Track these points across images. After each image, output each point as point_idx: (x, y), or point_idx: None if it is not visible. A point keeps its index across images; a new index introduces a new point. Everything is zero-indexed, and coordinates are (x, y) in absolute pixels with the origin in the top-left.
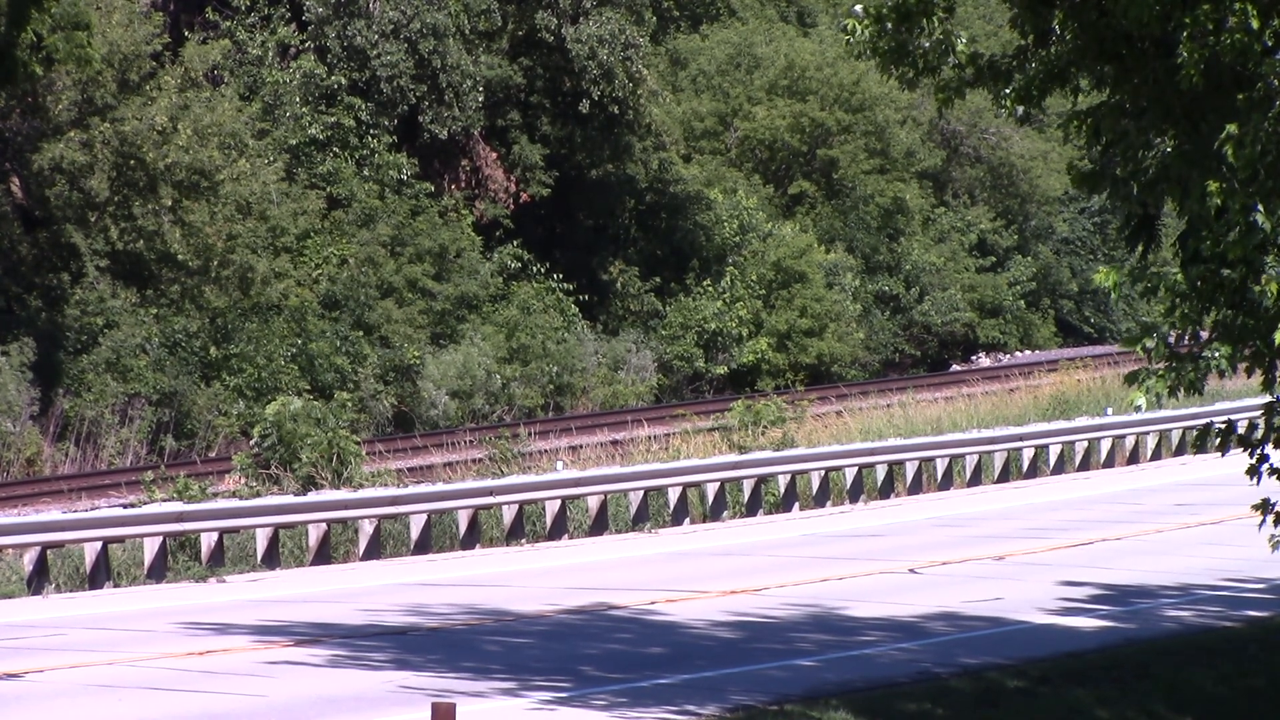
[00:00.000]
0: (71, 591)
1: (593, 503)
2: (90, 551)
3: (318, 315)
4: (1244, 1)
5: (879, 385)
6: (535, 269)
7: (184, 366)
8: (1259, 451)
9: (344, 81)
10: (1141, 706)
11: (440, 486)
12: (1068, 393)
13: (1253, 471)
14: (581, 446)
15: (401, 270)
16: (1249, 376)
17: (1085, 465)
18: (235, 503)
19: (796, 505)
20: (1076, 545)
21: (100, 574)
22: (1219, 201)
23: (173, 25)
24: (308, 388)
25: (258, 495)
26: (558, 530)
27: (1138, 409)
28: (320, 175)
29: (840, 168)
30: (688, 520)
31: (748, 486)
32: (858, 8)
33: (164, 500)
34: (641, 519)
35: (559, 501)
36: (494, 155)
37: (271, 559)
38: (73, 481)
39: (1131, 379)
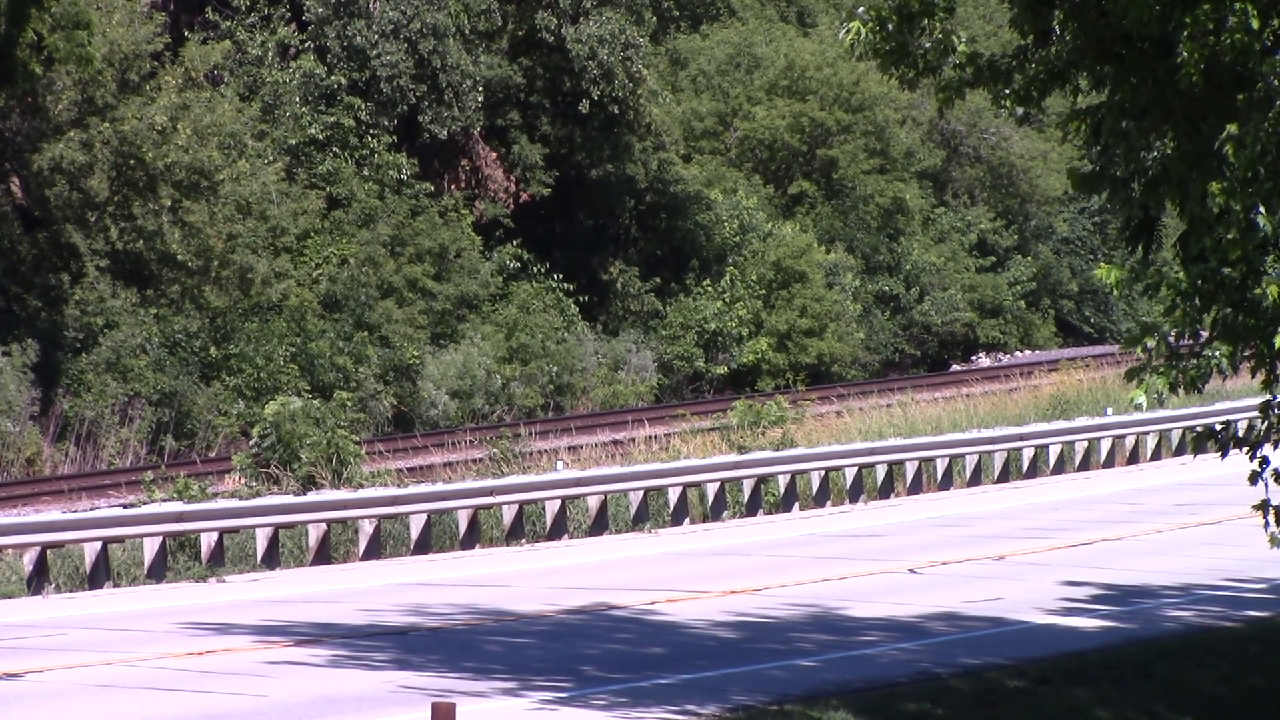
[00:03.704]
0: (71, 591)
1: (593, 503)
2: (90, 551)
3: (318, 315)
4: (1244, 1)
5: (879, 385)
6: (535, 269)
7: (184, 366)
8: (1258, 454)
9: (344, 81)
10: (1142, 706)
11: (440, 486)
12: (1068, 393)
13: (1255, 479)
14: (581, 446)
15: (401, 270)
16: (1251, 376)
17: (1085, 465)
18: (235, 503)
19: (796, 505)
20: (1077, 545)
21: (100, 574)
22: (1220, 202)
23: (173, 25)
24: (308, 388)
25: (258, 495)
26: (558, 530)
27: (1138, 407)
28: (320, 175)
29: (840, 168)
30: (688, 520)
31: (748, 486)
32: (860, 9)
33: (164, 500)
34: (641, 519)
35: (559, 501)
36: (494, 155)
37: (271, 559)
38: (73, 481)
39: (1132, 375)
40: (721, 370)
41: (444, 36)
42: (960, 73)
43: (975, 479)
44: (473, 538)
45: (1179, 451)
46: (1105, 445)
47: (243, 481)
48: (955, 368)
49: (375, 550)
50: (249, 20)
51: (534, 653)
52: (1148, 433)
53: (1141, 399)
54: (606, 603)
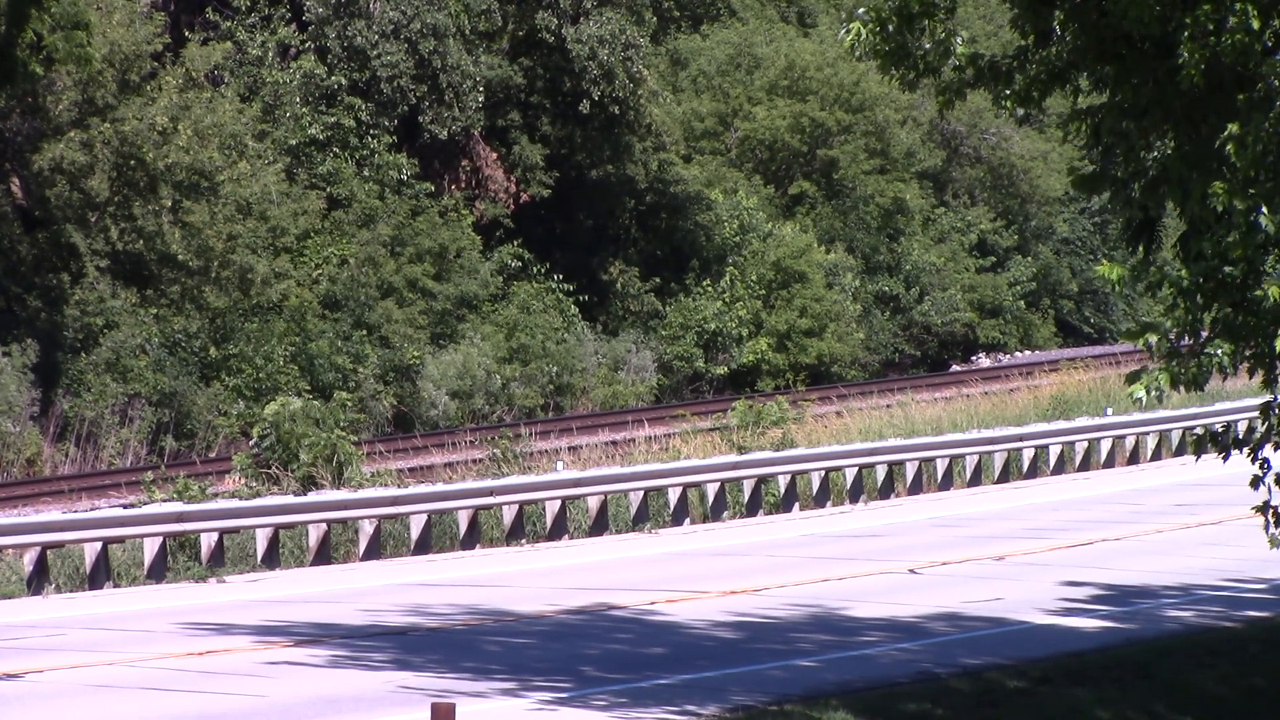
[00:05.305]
0: (71, 591)
1: (593, 503)
2: (90, 551)
3: (318, 315)
4: (1244, 1)
5: (879, 385)
6: (535, 269)
7: (184, 367)
8: (1259, 456)
9: (344, 81)
10: (1142, 706)
11: (440, 486)
12: (1068, 393)
13: (1256, 483)
14: (581, 447)
15: (401, 270)
16: (1250, 376)
17: (1085, 465)
18: (235, 503)
19: (796, 505)
20: (1077, 545)
21: (100, 574)
22: (1223, 202)
23: (173, 25)
24: (307, 388)
25: (258, 495)
26: (558, 530)
27: (1138, 402)
28: (320, 175)
29: (840, 168)
30: (688, 520)
31: (748, 487)
32: (860, 10)
33: (164, 500)
34: (641, 519)
35: (559, 502)
36: (494, 155)
37: (271, 559)
38: (73, 482)
39: (1133, 379)
40: (721, 370)
41: (444, 37)
42: (960, 73)
43: (975, 479)
44: (473, 538)
45: (1179, 452)
46: (1105, 445)
47: (243, 482)
48: (955, 368)
49: (375, 550)
50: (249, 20)
51: (534, 653)
52: (1148, 433)
53: (1141, 394)
54: (606, 603)
